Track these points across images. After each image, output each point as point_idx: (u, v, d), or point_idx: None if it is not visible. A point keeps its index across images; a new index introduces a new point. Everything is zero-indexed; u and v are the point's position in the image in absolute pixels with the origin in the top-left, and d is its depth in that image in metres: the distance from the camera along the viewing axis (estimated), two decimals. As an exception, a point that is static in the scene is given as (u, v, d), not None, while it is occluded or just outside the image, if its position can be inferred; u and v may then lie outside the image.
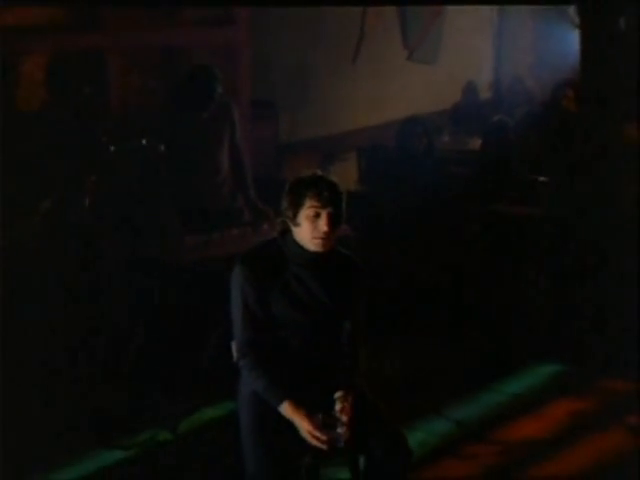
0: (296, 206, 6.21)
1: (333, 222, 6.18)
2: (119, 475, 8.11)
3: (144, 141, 8.97)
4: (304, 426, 6.07)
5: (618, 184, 10.48)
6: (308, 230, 6.19)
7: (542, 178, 10.95)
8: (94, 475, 8.07)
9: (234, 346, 6.33)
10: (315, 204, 6.16)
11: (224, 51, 11.02)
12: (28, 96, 9.23)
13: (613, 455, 8.26)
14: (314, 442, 6.07)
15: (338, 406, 6.18)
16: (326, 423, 6.09)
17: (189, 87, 9.59)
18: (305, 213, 6.18)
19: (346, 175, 11.25)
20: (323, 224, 6.16)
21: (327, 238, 6.20)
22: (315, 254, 6.25)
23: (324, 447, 6.08)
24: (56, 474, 8.02)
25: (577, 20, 10.88)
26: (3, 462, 7.83)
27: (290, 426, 6.13)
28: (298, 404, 6.12)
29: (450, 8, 13.50)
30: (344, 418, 6.13)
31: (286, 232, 6.35)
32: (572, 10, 11.77)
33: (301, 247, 6.26)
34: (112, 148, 8.83)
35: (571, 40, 11.75)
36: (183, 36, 11.19)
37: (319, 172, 6.47)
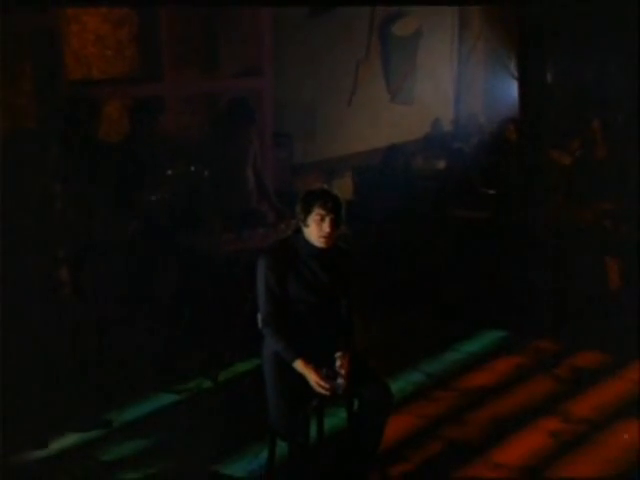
0: (306, 212, 6.23)
1: (334, 225, 6.23)
2: (173, 412, 8.10)
3: (192, 167, 8.97)
4: (312, 378, 6.11)
5: (545, 194, 10.46)
6: (315, 230, 6.22)
7: (490, 190, 10.92)
8: (156, 411, 8.11)
9: (259, 317, 6.32)
10: (321, 211, 6.19)
11: (253, 96, 10.97)
12: (108, 130, 9.19)
13: (543, 398, 8.27)
14: (320, 390, 6.12)
15: (338, 363, 6.20)
16: (329, 375, 6.14)
17: (231, 112, 9.58)
18: (313, 217, 6.20)
19: (344, 188, 11.21)
20: (327, 226, 6.20)
21: (330, 237, 6.23)
22: (320, 248, 6.27)
23: (327, 393, 6.14)
24: (129, 411, 8.02)
25: (516, 73, 10.83)
26: (91, 401, 7.86)
27: (301, 378, 6.15)
28: (307, 361, 6.15)
29: (420, 64, 13.48)
30: (342, 372, 6.17)
31: (298, 231, 6.35)
32: (513, 65, 11.72)
33: (310, 243, 6.27)
34: (169, 172, 8.80)
35: (512, 88, 11.72)
36: (222, 85, 11.15)
37: (324, 186, 6.55)
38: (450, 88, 14.29)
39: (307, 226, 6.24)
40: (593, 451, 7.38)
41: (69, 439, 7.56)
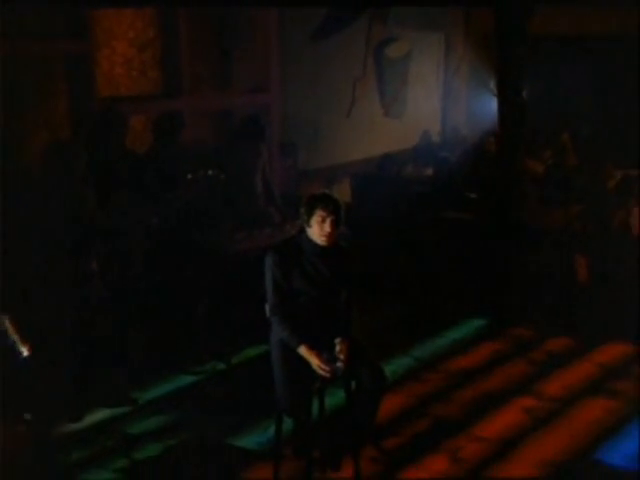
0: (309, 214, 6.22)
1: (335, 225, 6.21)
2: (191, 392, 8.10)
3: (210, 172, 8.95)
4: (314, 361, 6.11)
5: (521, 198, 10.45)
6: (317, 230, 6.21)
7: (473, 195, 10.91)
8: (176, 390, 8.10)
9: (267, 307, 6.31)
10: (322, 213, 6.17)
11: (262, 110, 10.97)
12: (134, 141, 9.18)
13: (519, 379, 8.29)
14: (321, 372, 6.11)
15: (337, 348, 6.20)
16: (329, 359, 6.14)
17: (243, 127, 9.58)
18: (315, 219, 6.19)
19: (343, 193, 11.21)
20: (328, 226, 6.18)
21: (330, 236, 6.22)
22: (322, 246, 6.25)
23: (328, 376, 6.13)
24: (153, 391, 8.03)
25: (495, 91, 10.81)
26: (119, 381, 7.89)
27: (305, 361, 6.15)
28: (310, 347, 6.14)
29: (411, 82, 13.47)
30: (341, 356, 6.17)
31: (302, 231, 6.34)
32: (492, 84, 11.70)
33: (313, 242, 6.26)
34: (189, 176, 8.79)
35: (492, 104, 11.67)
36: (235, 100, 11.15)
37: (325, 191, 6.52)
38: (437, 104, 14.28)
39: (310, 226, 6.23)
40: (562, 425, 7.40)
41: (100, 414, 7.57)
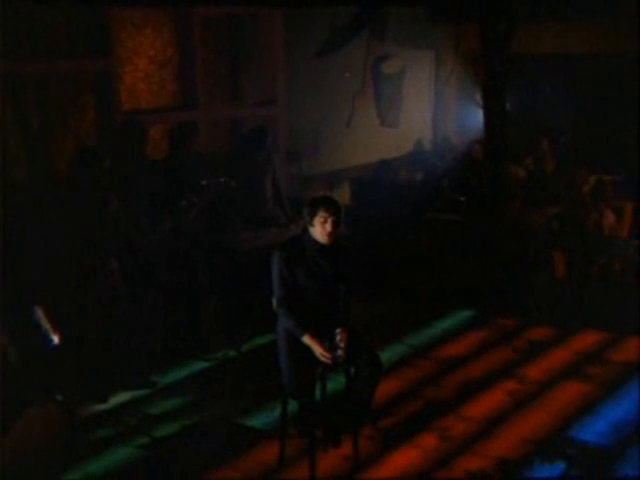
0: (312, 214, 6.21)
1: (335, 225, 6.19)
2: (204, 377, 8.10)
3: (222, 178, 8.95)
4: (317, 349, 6.12)
5: (505, 200, 10.46)
6: (319, 230, 6.20)
7: (461, 198, 10.89)
8: (191, 375, 8.11)
9: (274, 300, 6.31)
10: (324, 214, 6.16)
11: (269, 121, 10.98)
12: (153, 149, 9.19)
13: (503, 364, 8.27)
14: (323, 359, 6.13)
15: (338, 337, 6.19)
16: (330, 347, 6.15)
17: (252, 137, 9.58)
18: (318, 219, 6.18)
19: (343, 196, 11.19)
20: (329, 226, 6.17)
21: (331, 235, 6.20)
22: (324, 244, 6.24)
23: (329, 362, 6.15)
24: (170, 375, 8.04)
25: (481, 103, 10.82)
26: (141, 366, 7.90)
27: (308, 349, 6.16)
28: (313, 336, 6.15)
29: (405, 95, 13.46)
30: (342, 345, 6.17)
31: (306, 230, 6.32)
32: (479, 97, 11.68)
33: (315, 240, 6.24)
34: (203, 182, 8.79)
35: (478, 115, 11.66)
36: (244, 112, 11.15)
37: (327, 194, 6.56)
38: (429, 115, 14.21)
39: (313, 226, 6.22)
40: (541, 406, 7.41)
41: (123, 396, 7.60)
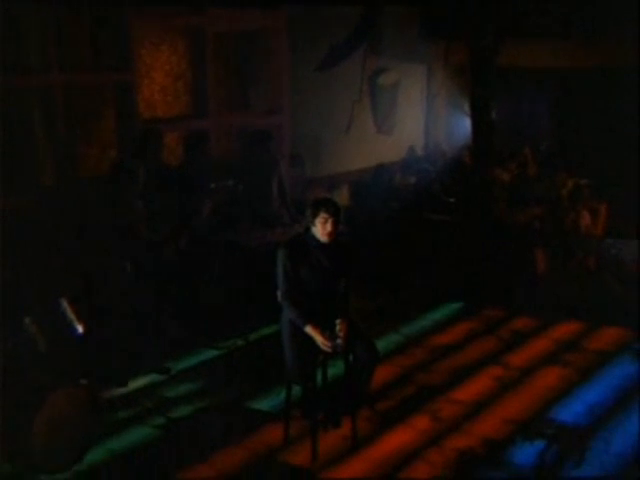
0: (314, 215, 6.22)
1: (335, 225, 6.21)
2: (215, 364, 8.10)
3: (230, 182, 8.94)
4: (318, 339, 6.12)
5: (491, 202, 10.47)
6: (321, 229, 6.21)
7: (451, 199, 10.91)
8: (203, 362, 8.10)
9: (278, 293, 6.32)
10: (325, 215, 6.17)
11: (275, 128, 10.98)
12: (168, 155, 9.20)
13: (489, 352, 8.27)
14: (324, 347, 6.13)
15: (337, 327, 6.20)
16: (331, 337, 6.15)
17: (257, 138, 9.57)
18: (319, 219, 6.20)
19: (342, 198, 11.17)
20: (329, 226, 6.19)
21: (332, 234, 6.21)
22: (325, 243, 6.25)
23: (330, 350, 6.15)
24: (184, 362, 8.05)
25: (469, 113, 10.84)
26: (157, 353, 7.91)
27: (310, 338, 6.16)
28: (315, 326, 6.15)
29: (399, 105, 13.47)
30: (341, 334, 6.17)
31: (308, 230, 6.33)
32: (467, 107, 11.70)
33: (317, 238, 6.26)
34: (212, 185, 8.79)
35: (466, 123, 11.70)
36: (252, 120, 11.16)
37: (327, 196, 6.54)
38: (421, 123, 14.22)
39: (314, 226, 6.23)
40: (524, 390, 7.42)
41: (142, 380, 7.60)
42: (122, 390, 7.43)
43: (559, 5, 11.22)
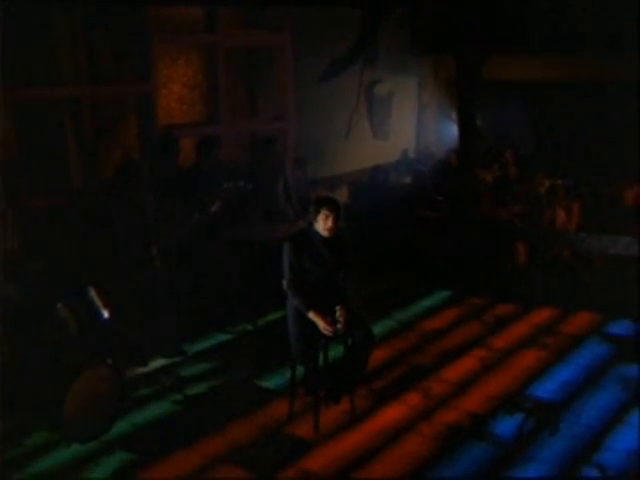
0: (316, 212, 6.24)
1: (336, 221, 6.22)
2: (227, 346, 8.12)
3: (241, 182, 8.91)
4: (320, 323, 6.14)
5: (476, 200, 10.47)
6: (322, 225, 6.22)
7: (440, 197, 10.90)
8: (215, 345, 8.13)
9: (284, 282, 6.33)
10: (326, 212, 6.19)
11: (281, 133, 10.99)
12: (183, 157, 9.18)
13: (474, 336, 8.28)
14: (326, 332, 6.15)
15: (337, 313, 6.21)
16: (332, 322, 6.16)
17: (264, 143, 9.55)
18: (321, 216, 6.21)
19: (342, 196, 11.17)
20: (330, 222, 6.20)
21: (332, 229, 6.23)
22: (326, 237, 6.26)
23: (331, 334, 6.16)
24: (198, 344, 8.07)
25: (456, 120, 10.85)
26: (173, 337, 7.90)
27: (313, 323, 6.17)
28: (317, 312, 6.16)
29: (393, 113, 13.44)
30: (341, 320, 6.19)
31: (311, 225, 6.33)
32: (454, 115, 11.70)
33: (319, 233, 6.27)
34: (224, 185, 8.76)
35: (453, 129, 11.69)
36: (260, 126, 11.14)
37: (328, 194, 6.54)
38: (413, 129, 14.16)
39: (317, 222, 6.24)
40: (505, 370, 7.46)
41: (160, 361, 7.64)
42: (143, 369, 7.47)
43: (535, 26, 11.27)
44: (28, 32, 8.28)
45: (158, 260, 7.70)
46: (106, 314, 6.53)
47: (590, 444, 6.14)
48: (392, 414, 6.62)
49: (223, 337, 8.31)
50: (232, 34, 10.62)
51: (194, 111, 10.49)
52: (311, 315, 6.18)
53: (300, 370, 6.50)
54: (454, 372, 7.42)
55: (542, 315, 8.84)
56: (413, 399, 6.88)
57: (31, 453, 6.09)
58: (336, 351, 6.59)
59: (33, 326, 6.35)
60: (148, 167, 8.19)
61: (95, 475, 5.82)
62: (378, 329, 7.98)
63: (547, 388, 7.06)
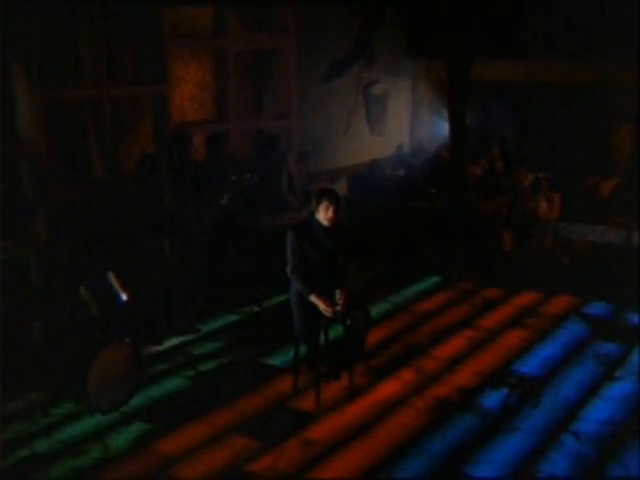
0: (318, 202, 6.20)
1: (336, 211, 6.18)
2: (236, 326, 8.13)
3: (248, 175, 8.89)
4: (321, 306, 6.12)
5: (465, 192, 10.48)
6: (323, 215, 6.19)
7: (432, 190, 10.90)
8: (225, 325, 8.13)
9: (287, 268, 6.31)
10: (327, 202, 6.16)
11: (284, 130, 10.98)
12: (196, 152, 9.17)
13: (463, 317, 8.29)
14: (326, 313, 6.13)
15: (337, 296, 6.19)
16: (332, 304, 6.14)
17: (269, 141, 9.53)
18: (322, 207, 6.18)
19: (342, 188, 11.15)
20: (331, 212, 6.17)
21: (333, 219, 6.20)
22: (327, 226, 6.23)
23: (331, 315, 6.15)
24: (210, 324, 8.07)
25: (447, 117, 10.84)
26: (187, 317, 7.91)
27: (314, 306, 6.16)
28: (318, 295, 6.15)
29: (389, 111, 13.41)
30: (340, 302, 6.17)
31: (312, 215, 6.30)
32: (445, 113, 11.67)
33: (320, 222, 6.23)
34: (233, 178, 8.74)
35: (445, 126, 11.67)
36: (266, 123, 11.11)
37: (329, 186, 6.49)
38: (407, 126, 14.14)
39: (318, 212, 6.21)
40: (491, 348, 7.47)
41: (174, 340, 7.64)
42: (159, 348, 7.49)
43: (520, 31, 11.30)
44: (56, 38, 8.38)
45: (168, 247, 7.68)
46: (124, 297, 6.55)
47: (568, 415, 6.18)
48: (388, 389, 6.64)
49: (232, 318, 8.31)
50: (240, 38, 10.61)
51: (205, 110, 10.49)
52: (312, 298, 6.16)
53: (303, 349, 6.47)
54: (445, 350, 7.43)
55: (525, 298, 8.84)
56: (407, 375, 6.90)
57: (60, 421, 6.14)
58: (336, 331, 6.58)
59: (59, 307, 6.39)
60: (166, 161, 8.17)
61: (116, 442, 5.87)
62: (375, 311, 7.94)
63: (530, 364, 7.10)
